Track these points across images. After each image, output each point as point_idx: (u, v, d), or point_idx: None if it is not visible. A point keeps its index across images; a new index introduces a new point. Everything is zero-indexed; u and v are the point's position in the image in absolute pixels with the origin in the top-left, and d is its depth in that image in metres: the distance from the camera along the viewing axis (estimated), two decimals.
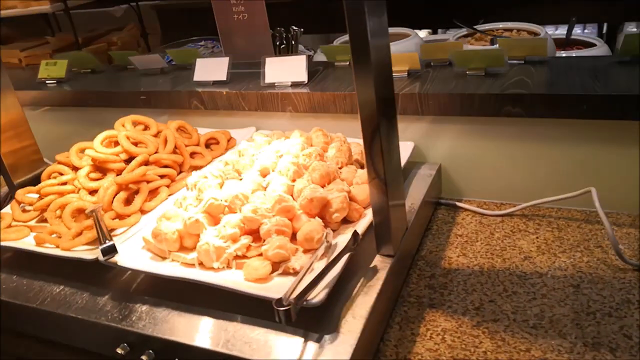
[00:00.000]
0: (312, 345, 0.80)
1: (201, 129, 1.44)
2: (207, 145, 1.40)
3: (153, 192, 1.19)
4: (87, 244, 1.05)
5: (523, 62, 1.31)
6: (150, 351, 0.88)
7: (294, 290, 0.80)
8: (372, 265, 0.93)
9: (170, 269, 0.95)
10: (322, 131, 1.23)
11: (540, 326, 0.88)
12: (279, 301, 0.77)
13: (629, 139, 1.09)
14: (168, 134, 1.30)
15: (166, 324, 0.89)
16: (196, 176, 1.12)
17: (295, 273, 0.88)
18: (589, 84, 1.13)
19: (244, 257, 0.94)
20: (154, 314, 0.91)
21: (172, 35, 2.91)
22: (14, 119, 1.37)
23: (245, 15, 1.49)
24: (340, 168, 1.12)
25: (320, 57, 1.79)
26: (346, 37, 1.33)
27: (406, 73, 1.34)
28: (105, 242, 0.98)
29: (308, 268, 0.86)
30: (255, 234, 0.96)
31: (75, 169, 1.24)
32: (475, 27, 1.84)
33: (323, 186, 1.03)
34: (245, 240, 0.94)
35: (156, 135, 1.31)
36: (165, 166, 1.25)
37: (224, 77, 1.51)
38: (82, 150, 1.25)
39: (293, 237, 0.95)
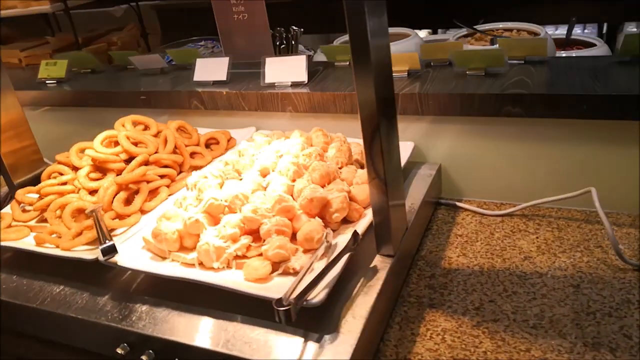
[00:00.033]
0: (312, 345, 0.80)
1: (201, 129, 1.44)
2: (207, 145, 1.40)
3: (153, 192, 1.19)
4: (87, 244, 1.05)
5: (523, 62, 1.31)
6: (150, 351, 0.88)
7: (294, 290, 0.80)
8: (372, 265, 0.93)
9: (170, 269, 0.95)
10: (322, 131, 1.23)
11: (540, 326, 0.88)
12: (279, 301, 0.77)
13: (629, 139, 1.09)
14: (168, 134, 1.30)
15: (166, 324, 0.89)
16: (196, 176, 1.12)
17: (295, 273, 0.88)
18: (589, 84, 1.13)
19: (244, 257, 0.94)
20: (154, 314, 0.91)
21: (172, 35, 2.91)
22: (14, 119, 1.37)
23: (245, 15, 1.49)
24: (340, 168, 1.12)
25: (320, 57, 1.79)
26: (346, 37, 1.33)
27: (406, 73, 1.34)
28: (105, 242, 0.98)
29: (308, 268, 0.86)
30: (255, 234, 0.96)
31: (75, 169, 1.24)
32: (475, 27, 1.84)
33: (323, 186, 1.03)
34: (245, 240, 0.94)
35: (156, 135, 1.31)
36: (165, 166, 1.25)
37: (224, 77, 1.50)
38: (82, 150, 1.26)
39: (293, 237, 0.95)
